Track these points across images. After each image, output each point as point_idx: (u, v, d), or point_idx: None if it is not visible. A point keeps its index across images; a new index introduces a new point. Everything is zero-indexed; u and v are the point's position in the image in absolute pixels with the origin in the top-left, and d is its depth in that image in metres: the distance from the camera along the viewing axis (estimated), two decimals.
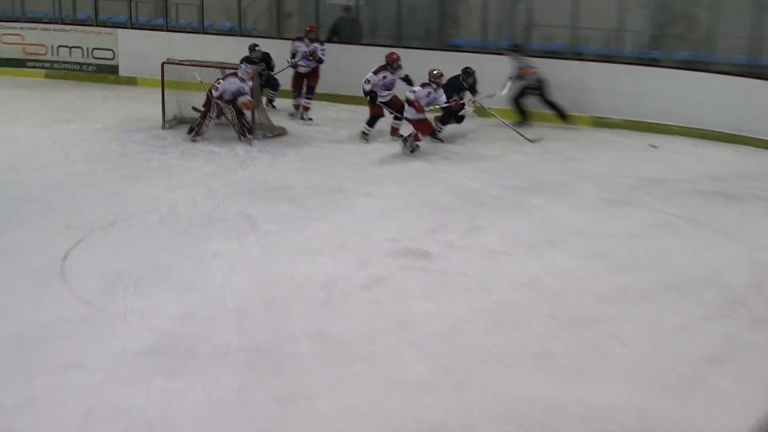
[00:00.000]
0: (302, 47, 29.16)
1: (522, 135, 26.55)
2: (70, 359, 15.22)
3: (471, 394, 14.23)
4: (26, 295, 17.40)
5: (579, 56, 29.01)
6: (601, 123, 28.14)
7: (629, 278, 18.21)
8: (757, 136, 25.57)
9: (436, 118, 27.91)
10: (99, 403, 14.04)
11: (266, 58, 29.30)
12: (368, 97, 26.92)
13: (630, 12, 28.95)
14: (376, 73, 26.96)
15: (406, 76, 27.45)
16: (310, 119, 29.08)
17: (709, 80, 27.24)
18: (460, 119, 28.24)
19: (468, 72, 28.04)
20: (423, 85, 26.12)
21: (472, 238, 20.13)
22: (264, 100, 28.88)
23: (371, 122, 27.05)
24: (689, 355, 15.53)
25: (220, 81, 26.04)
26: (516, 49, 29.47)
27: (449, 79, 27.61)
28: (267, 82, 29.21)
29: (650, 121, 27.53)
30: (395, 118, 27.03)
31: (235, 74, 26.19)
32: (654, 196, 22.63)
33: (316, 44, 29.17)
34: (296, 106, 29.46)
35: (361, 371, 14.82)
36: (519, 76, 28.26)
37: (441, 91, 26.64)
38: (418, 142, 25.96)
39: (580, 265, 18.80)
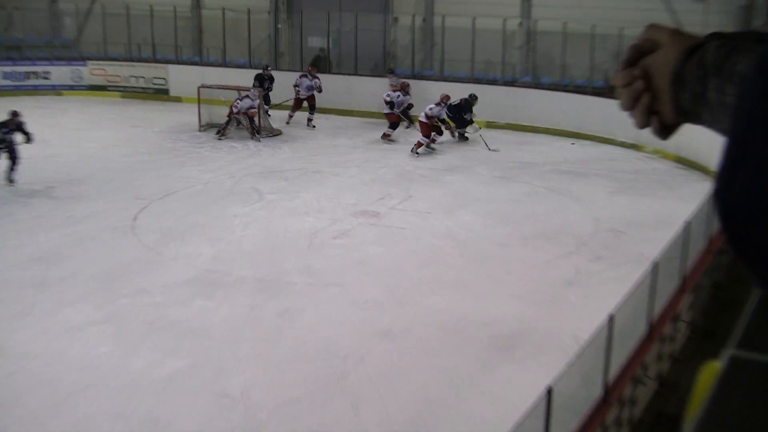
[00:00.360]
0: (306, 81, 28.29)
1: (486, 145, 26.10)
2: (139, 287, 15.20)
3: (408, 308, 14.27)
4: (109, 244, 17.35)
5: (476, 80, 28.95)
6: (491, 126, 28.04)
7: (512, 229, 18.22)
8: (593, 134, 25.57)
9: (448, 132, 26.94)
10: (159, 316, 14.03)
11: (271, 78, 28.91)
12: (389, 108, 26.51)
13: (509, 50, 28.93)
14: (393, 91, 26.75)
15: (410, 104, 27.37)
16: (314, 126, 28.38)
17: (561, 96, 27.25)
18: (465, 138, 27.02)
19: (474, 96, 26.97)
20: (436, 104, 25.56)
21: (407, 203, 20.05)
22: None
23: (393, 127, 26.58)
24: (552, 280, 15.56)
25: (238, 101, 26.02)
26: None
27: (463, 102, 26.66)
28: (264, 98, 28.82)
29: (524, 124, 27.55)
30: (389, 127, 26.43)
31: (248, 96, 26.16)
32: (527, 174, 22.65)
33: (317, 80, 28.59)
34: (290, 116, 28.58)
35: (334, 293, 14.77)
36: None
37: (444, 109, 25.71)
38: (419, 148, 24.70)
39: (479, 220, 18.79)
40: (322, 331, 13.52)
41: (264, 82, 28.79)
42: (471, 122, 26.81)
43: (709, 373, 0.85)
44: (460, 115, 26.64)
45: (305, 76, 28.76)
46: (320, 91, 28.78)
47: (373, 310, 14.05)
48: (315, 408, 11.40)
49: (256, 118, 26.29)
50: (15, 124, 21.05)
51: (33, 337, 13.53)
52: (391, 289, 15.02)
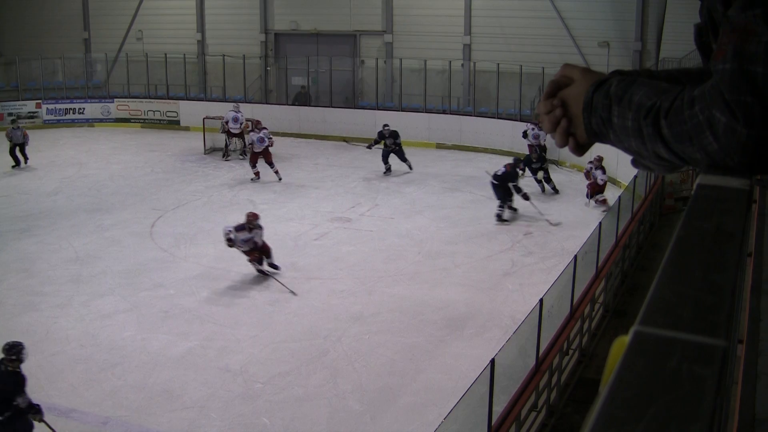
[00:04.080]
0: (254, 135, 22.85)
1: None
2: (156, 282, 15.03)
3: (376, 296, 14.15)
4: (132, 247, 17.13)
5: (428, 110, 28.96)
6: (441, 146, 28.02)
7: (459, 230, 18.12)
8: (522, 153, 25.52)
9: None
10: (173, 305, 13.87)
11: (393, 135, 23.77)
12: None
13: (454, 85, 28.97)
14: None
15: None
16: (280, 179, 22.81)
17: (496, 123, 27.25)
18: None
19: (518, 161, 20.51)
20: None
21: (374, 210, 19.92)
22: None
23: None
24: (493, 271, 15.51)
25: (229, 123, 25.55)
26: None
27: (509, 168, 19.29)
28: (397, 152, 23.83)
29: (467, 144, 27.52)
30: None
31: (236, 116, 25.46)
32: (470, 185, 22.47)
33: (265, 130, 23.20)
34: (256, 173, 23.06)
35: (315, 285, 14.62)
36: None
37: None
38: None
39: (432, 224, 18.68)
40: (305, 316, 13.42)
41: (384, 138, 24.07)
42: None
43: (620, 345, 0.88)
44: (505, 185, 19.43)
45: (253, 130, 23.51)
46: (271, 144, 23.30)
47: (347, 299, 13.96)
48: (301, 379, 11.31)
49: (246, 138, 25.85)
50: None
51: (71, 323, 13.43)
52: (361, 281, 14.90)
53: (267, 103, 31.43)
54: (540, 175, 21.98)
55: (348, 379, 11.24)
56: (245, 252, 15.04)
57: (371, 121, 28.07)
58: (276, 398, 10.76)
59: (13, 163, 25.01)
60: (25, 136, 25.20)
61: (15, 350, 9.30)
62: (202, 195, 21.34)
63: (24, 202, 20.92)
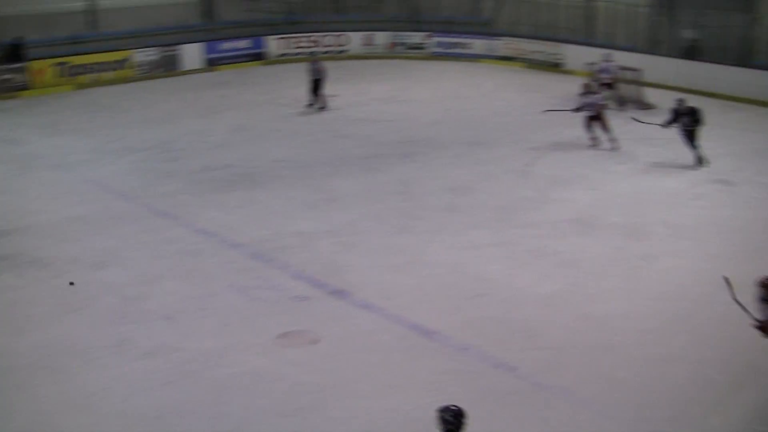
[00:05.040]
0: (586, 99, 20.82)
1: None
2: (527, 221, 15.44)
3: (753, 264, 13.05)
4: (506, 183, 17.76)
5: None
6: None
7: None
8: None
9: None
10: (541, 246, 14.21)
11: (692, 113, 19.43)
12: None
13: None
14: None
15: None
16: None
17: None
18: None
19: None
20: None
21: (758, 176, 18.26)
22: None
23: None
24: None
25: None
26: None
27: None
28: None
29: None
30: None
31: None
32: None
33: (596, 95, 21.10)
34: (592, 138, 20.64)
35: (688, 246, 14.03)
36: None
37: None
38: None
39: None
40: (675, 276, 13.02)
41: (680, 116, 19.72)
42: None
43: None
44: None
45: (588, 93, 21.02)
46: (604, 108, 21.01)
47: (724, 263, 12.81)
48: (663, 339, 11.07)
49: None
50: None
51: (441, 249, 14.20)
52: (741, 247, 14.19)
53: (653, 54, 30.49)
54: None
55: (711, 347, 10.87)
56: None
57: (764, 82, 26.42)
58: (635, 354, 10.67)
59: (309, 102, 24.60)
60: (320, 72, 24.34)
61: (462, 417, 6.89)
62: (580, 139, 20.68)
63: (407, 129, 22.15)
